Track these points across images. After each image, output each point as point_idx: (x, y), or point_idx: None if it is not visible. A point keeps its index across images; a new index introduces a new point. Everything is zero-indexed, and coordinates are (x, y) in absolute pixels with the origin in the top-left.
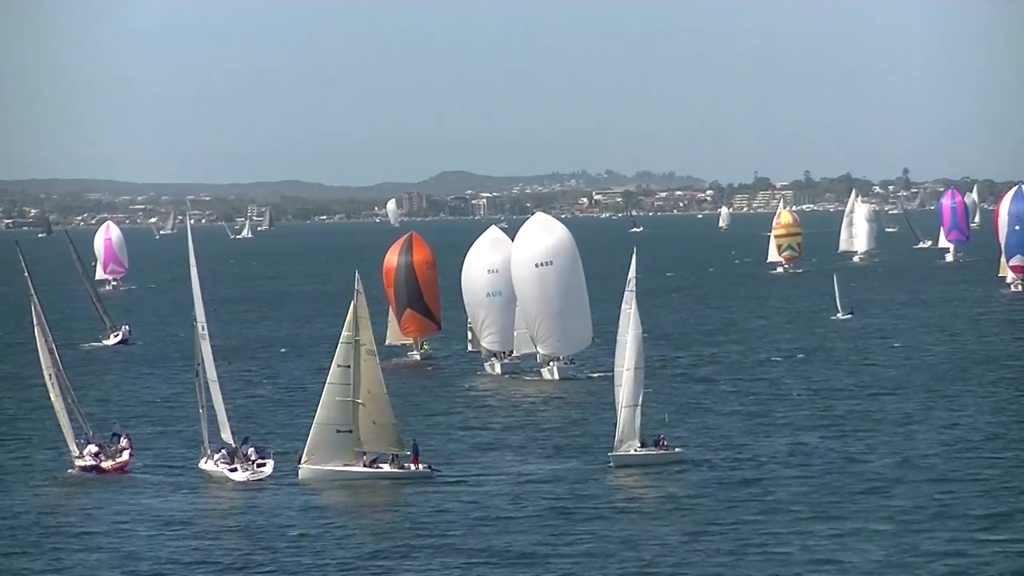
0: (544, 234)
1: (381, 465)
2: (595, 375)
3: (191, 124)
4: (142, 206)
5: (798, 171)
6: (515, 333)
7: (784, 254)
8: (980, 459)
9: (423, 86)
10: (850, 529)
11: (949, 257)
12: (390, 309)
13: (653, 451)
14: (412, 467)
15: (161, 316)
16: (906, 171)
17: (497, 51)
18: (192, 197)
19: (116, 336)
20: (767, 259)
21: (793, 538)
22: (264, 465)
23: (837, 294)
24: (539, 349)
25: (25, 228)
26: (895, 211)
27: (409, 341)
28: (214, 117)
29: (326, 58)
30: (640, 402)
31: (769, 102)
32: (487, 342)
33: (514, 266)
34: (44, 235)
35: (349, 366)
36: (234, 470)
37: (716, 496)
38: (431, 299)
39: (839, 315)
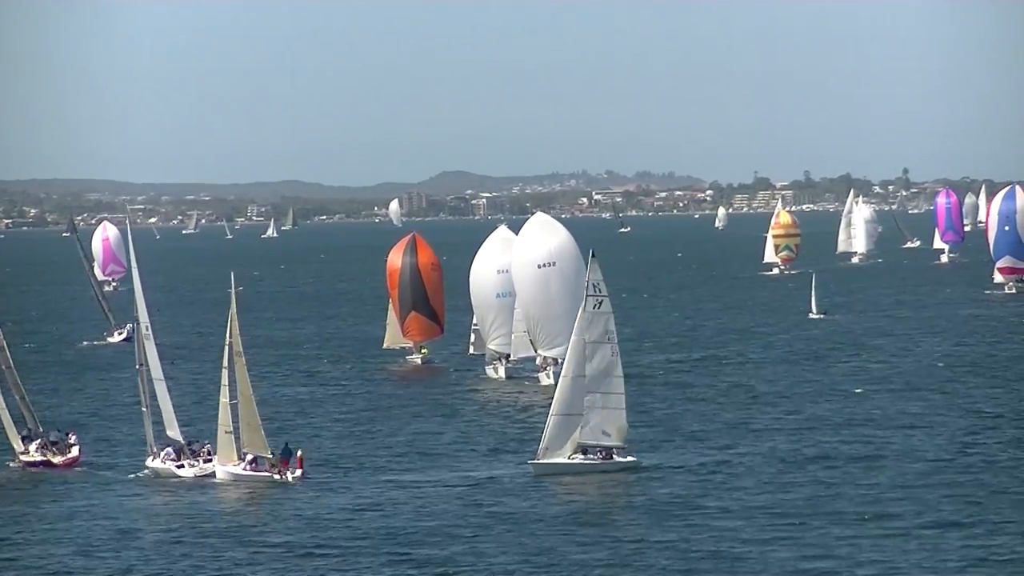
0: (547, 235)
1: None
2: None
3: (191, 124)
4: (142, 206)
5: (798, 171)
6: (513, 336)
7: (781, 255)
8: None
9: (423, 86)
10: (811, 539)
11: (944, 258)
12: (391, 311)
13: (593, 460)
14: (279, 472)
15: (166, 315)
16: (906, 171)
17: (497, 51)
18: (192, 197)
19: (121, 334)
20: (763, 260)
21: (723, 551)
22: (211, 461)
23: (813, 294)
24: (539, 352)
25: (25, 228)
26: (885, 208)
27: (409, 344)
28: (214, 117)
29: (326, 58)
30: (576, 411)
31: (769, 102)
32: (496, 344)
33: (515, 266)
34: (68, 234)
35: (227, 368)
36: (181, 466)
37: (654, 505)
38: (437, 302)
39: (812, 314)
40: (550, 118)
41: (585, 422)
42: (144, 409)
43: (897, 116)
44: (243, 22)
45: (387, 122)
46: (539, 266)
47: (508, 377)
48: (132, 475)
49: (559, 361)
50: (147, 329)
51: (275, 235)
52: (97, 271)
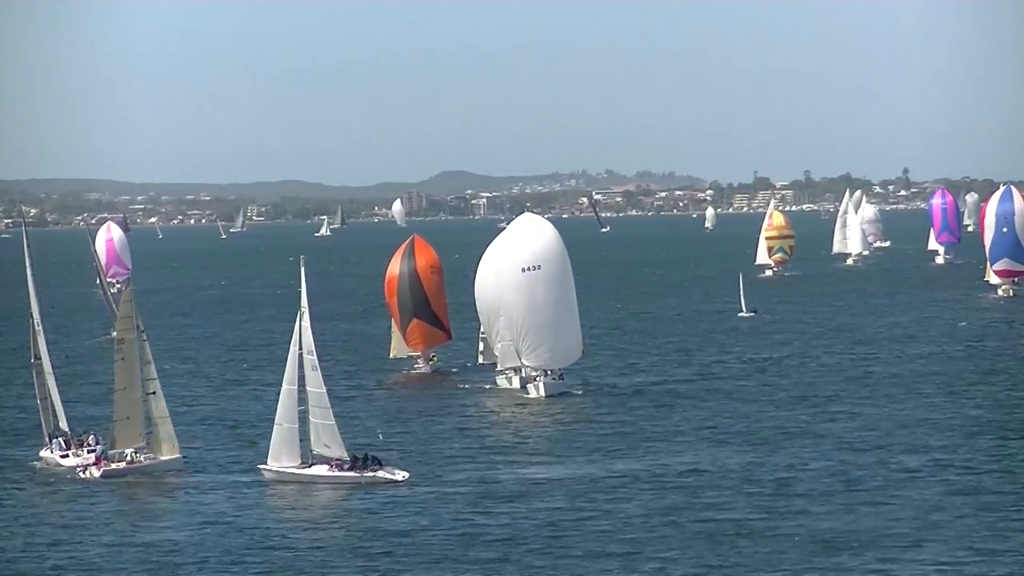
0: (532, 236)
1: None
2: (579, 391)
3: (191, 124)
4: (142, 206)
5: (798, 171)
6: (498, 344)
7: (774, 256)
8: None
9: (423, 86)
10: None
11: (939, 260)
12: (392, 320)
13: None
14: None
15: (178, 314)
16: (906, 171)
17: (497, 51)
18: (192, 197)
19: None
20: (755, 262)
21: None
22: (94, 451)
23: (742, 293)
24: (524, 362)
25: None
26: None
27: (417, 352)
28: (214, 117)
29: (326, 58)
30: (291, 421)
31: (769, 102)
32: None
33: (499, 270)
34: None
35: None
36: (65, 456)
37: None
38: (439, 306)
39: (742, 313)
40: (550, 118)
41: (309, 433)
42: (39, 402)
43: (897, 116)
44: (243, 21)
45: (387, 122)
46: (523, 270)
47: (521, 388)
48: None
49: (548, 372)
50: (38, 325)
51: (328, 234)
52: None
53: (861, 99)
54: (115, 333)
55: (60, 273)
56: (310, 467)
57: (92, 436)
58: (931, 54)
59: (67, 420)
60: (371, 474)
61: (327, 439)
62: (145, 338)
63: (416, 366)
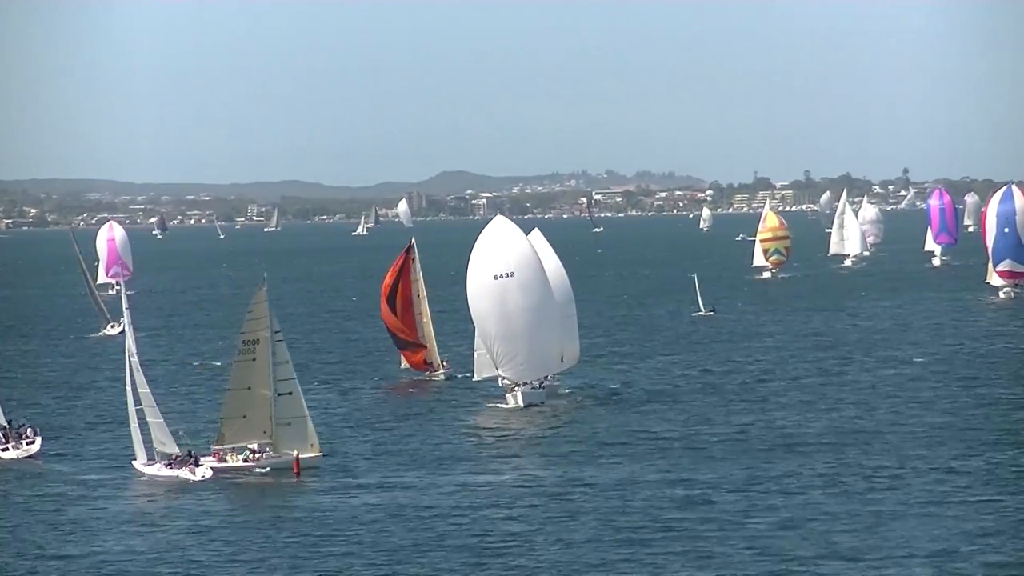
0: (505, 242)
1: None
2: (564, 400)
3: (191, 124)
4: (142, 206)
5: (798, 171)
6: (476, 355)
7: (771, 259)
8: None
9: (423, 86)
10: None
11: (936, 261)
12: None
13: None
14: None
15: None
16: (906, 171)
17: (497, 51)
18: (192, 197)
19: (115, 328)
20: (751, 264)
21: None
22: (33, 443)
23: (699, 292)
24: (500, 372)
25: (25, 228)
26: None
27: (429, 360)
28: (214, 117)
29: (326, 58)
30: (133, 421)
31: (769, 102)
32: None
33: (470, 278)
34: (159, 232)
35: None
36: (5, 449)
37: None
38: (401, 328)
39: (701, 312)
40: (550, 118)
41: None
42: None
43: (897, 116)
44: (243, 22)
45: (387, 122)
46: (495, 277)
47: (528, 404)
48: None
49: (528, 383)
50: None
51: (364, 232)
52: (101, 271)
53: (861, 99)
54: (244, 333)
55: (60, 273)
56: (153, 465)
57: (30, 428)
58: (931, 54)
59: (4, 414)
60: (186, 472)
61: (161, 436)
62: (280, 338)
63: (428, 374)
